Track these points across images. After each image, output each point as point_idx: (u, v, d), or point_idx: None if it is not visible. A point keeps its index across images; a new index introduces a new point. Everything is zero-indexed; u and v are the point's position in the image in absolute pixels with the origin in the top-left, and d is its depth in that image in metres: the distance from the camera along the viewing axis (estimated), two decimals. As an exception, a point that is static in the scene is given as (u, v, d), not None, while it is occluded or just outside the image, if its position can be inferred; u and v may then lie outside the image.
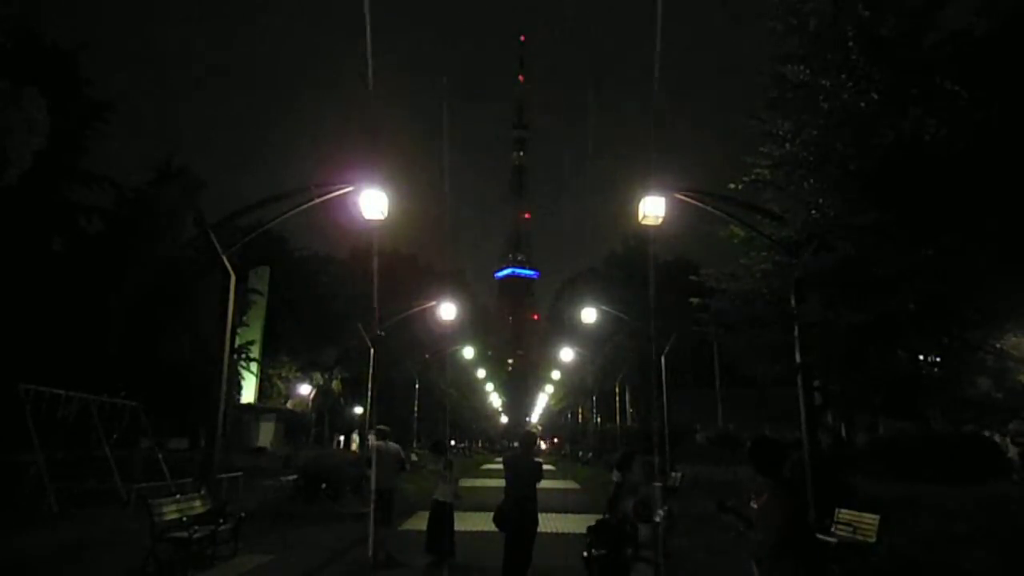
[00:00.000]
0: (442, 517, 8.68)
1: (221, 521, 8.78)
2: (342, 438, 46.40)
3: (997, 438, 16.70)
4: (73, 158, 22.37)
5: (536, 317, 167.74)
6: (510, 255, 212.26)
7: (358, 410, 42.49)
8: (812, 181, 9.23)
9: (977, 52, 7.29)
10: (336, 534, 10.87)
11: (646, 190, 9.70)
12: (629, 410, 40.32)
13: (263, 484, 16.18)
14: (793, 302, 9.45)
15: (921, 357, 12.42)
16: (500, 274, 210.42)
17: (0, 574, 8.31)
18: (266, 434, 37.90)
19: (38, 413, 13.44)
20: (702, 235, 12.73)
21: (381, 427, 11.45)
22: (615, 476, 5.60)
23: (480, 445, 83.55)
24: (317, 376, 42.10)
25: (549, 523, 12.28)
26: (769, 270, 10.83)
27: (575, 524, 12.27)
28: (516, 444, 8.26)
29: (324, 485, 14.43)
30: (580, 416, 53.96)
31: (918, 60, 7.84)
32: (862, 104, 8.21)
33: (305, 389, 42.35)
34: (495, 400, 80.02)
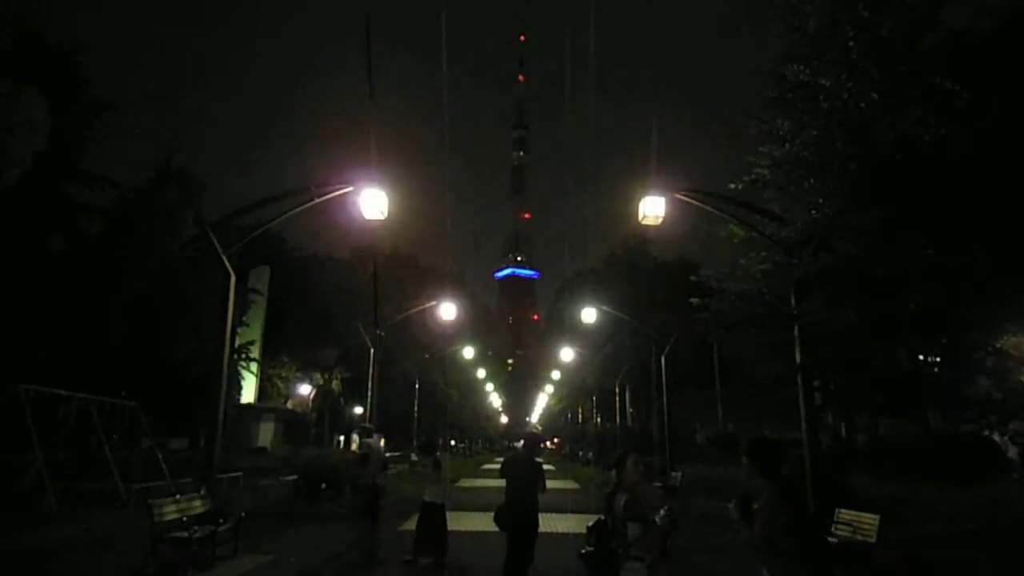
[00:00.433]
0: (432, 518, 8.60)
1: (221, 521, 8.78)
2: (342, 438, 46.41)
3: (997, 438, 16.69)
4: (73, 158, 22.35)
5: (536, 317, 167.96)
6: (510, 255, 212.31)
7: (358, 410, 42.49)
8: (812, 181, 9.24)
9: (977, 52, 7.30)
10: (336, 534, 10.86)
11: (646, 190, 9.70)
12: (629, 410, 40.32)
13: (263, 484, 16.16)
14: (793, 302, 9.45)
15: (921, 357, 12.43)
16: (500, 274, 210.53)
17: (0, 574, 8.32)
18: (266, 434, 37.88)
19: (38, 413, 13.44)
20: (702, 235, 12.74)
21: (366, 425, 11.47)
22: (612, 476, 5.66)
23: (480, 445, 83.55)
24: (317, 376, 42.11)
25: (549, 523, 12.27)
26: (769, 270, 10.84)
27: (575, 524, 12.26)
28: (520, 443, 8.25)
29: (324, 485, 14.44)
30: (580, 416, 53.95)
31: (918, 60, 7.85)
32: (862, 104, 8.22)
33: (305, 389, 42.36)
34: (495, 400, 80.00)
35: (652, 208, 9.68)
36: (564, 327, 45.22)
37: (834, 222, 8.78)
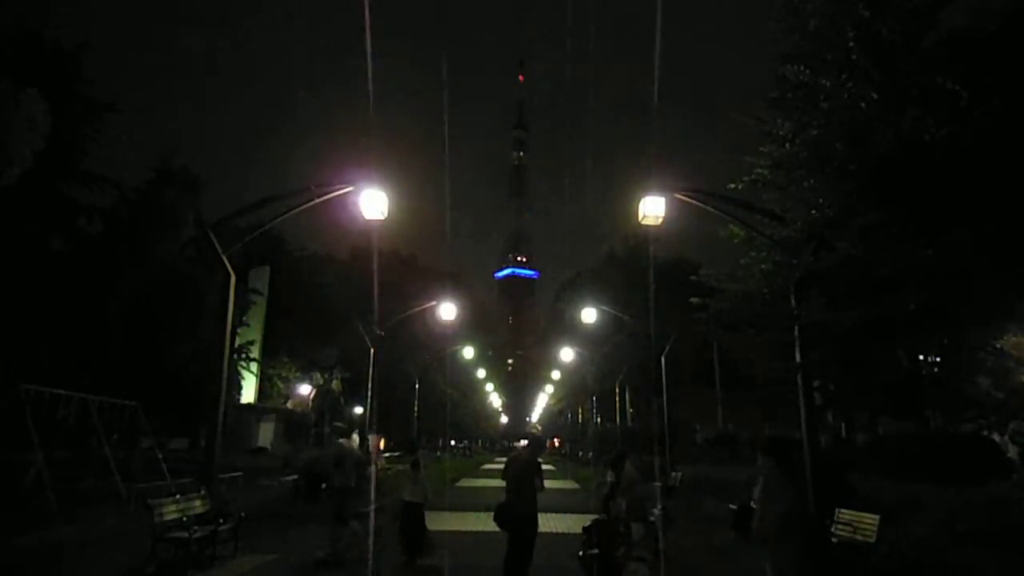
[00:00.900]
0: (411, 517, 8.56)
1: (221, 521, 8.78)
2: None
3: (997, 438, 16.68)
4: (73, 158, 22.36)
5: (536, 317, 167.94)
6: (510, 255, 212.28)
7: (358, 410, 42.48)
8: (812, 181, 9.23)
9: (977, 52, 7.29)
10: (337, 533, 10.84)
11: (646, 190, 9.70)
12: (629, 410, 40.30)
13: (263, 484, 16.17)
14: (793, 302, 9.45)
15: (921, 357, 12.43)
16: (500, 274, 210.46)
17: (0, 573, 8.32)
18: (266, 434, 37.89)
19: (38, 413, 13.44)
20: (702, 235, 12.75)
21: (338, 424, 11.45)
22: (609, 476, 5.59)
23: (480, 445, 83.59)
24: (317, 376, 42.11)
25: (549, 523, 12.28)
26: (769, 270, 10.83)
27: (575, 524, 12.27)
28: (522, 443, 8.23)
29: (324, 485, 14.44)
30: (580, 416, 53.93)
31: (918, 60, 7.84)
32: (862, 104, 8.21)
33: (305, 389, 42.37)
34: (495, 400, 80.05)
35: (652, 208, 9.69)
36: (564, 327, 45.22)
37: (834, 222, 8.77)
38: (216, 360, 10.06)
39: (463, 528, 11.69)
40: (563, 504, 16.34)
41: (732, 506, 11.25)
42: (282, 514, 12.40)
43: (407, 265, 48.47)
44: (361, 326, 20.69)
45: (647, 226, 10.16)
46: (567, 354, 37.02)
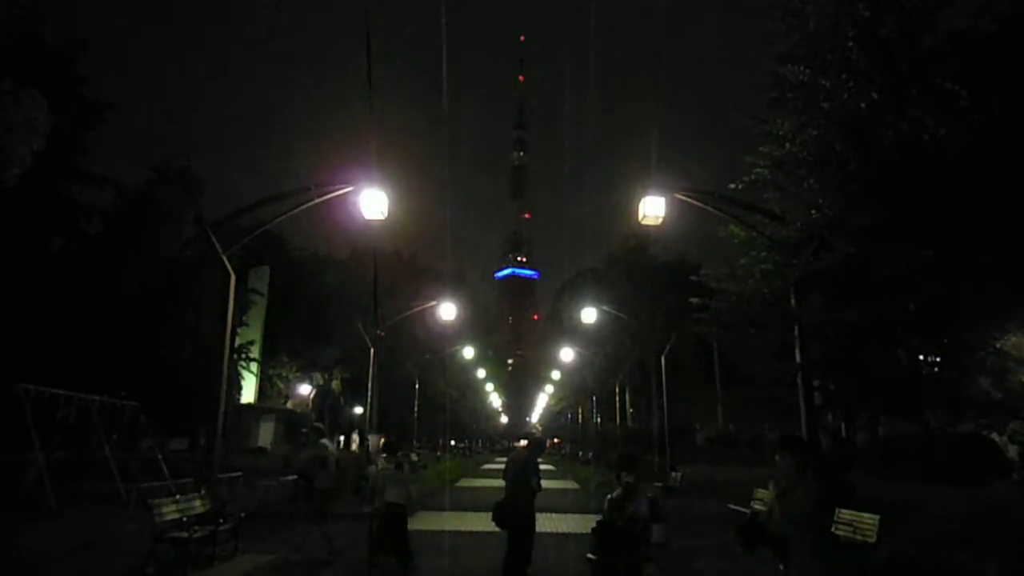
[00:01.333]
0: (392, 519, 8.29)
1: (221, 521, 8.78)
2: (342, 438, 46.40)
3: (997, 438, 16.67)
4: (73, 158, 22.36)
5: (536, 317, 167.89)
6: (510, 255, 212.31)
7: (358, 410, 42.47)
8: (812, 181, 9.25)
9: (977, 52, 7.30)
10: (336, 534, 10.85)
11: (646, 190, 9.70)
12: (629, 410, 40.31)
13: (263, 484, 16.16)
14: (793, 302, 9.45)
15: (921, 357, 12.42)
16: (500, 274, 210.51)
17: (0, 574, 8.31)
18: (266, 434, 37.85)
19: (38, 413, 13.43)
20: (702, 235, 12.75)
21: (317, 425, 11.46)
22: (626, 476, 5.40)
23: (480, 445, 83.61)
24: (317, 376, 42.08)
25: (550, 523, 12.28)
26: (769, 270, 10.84)
27: (577, 524, 12.27)
28: (522, 442, 8.21)
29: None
30: (580, 416, 53.95)
31: (918, 60, 7.84)
32: (862, 104, 8.22)
33: (305, 389, 42.33)
34: (495, 400, 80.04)
35: (652, 208, 9.68)
36: (564, 327, 45.26)
37: (834, 222, 8.78)
38: (216, 360, 10.06)
39: (463, 528, 11.69)
40: (563, 504, 16.35)
41: (731, 506, 11.29)
42: (282, 514, 12.38)
43: (407, 265, 48.45)
44: (361, 326, 20.69)
45: (647, 226, 10.16)
46: (567, 354, 37.02)
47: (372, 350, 19.40)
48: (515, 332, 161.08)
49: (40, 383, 13.88)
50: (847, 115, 8.40)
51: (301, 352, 40.13)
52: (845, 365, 11.40)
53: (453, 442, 62.22)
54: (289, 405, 41.66)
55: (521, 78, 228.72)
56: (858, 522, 7.92)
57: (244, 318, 33.35)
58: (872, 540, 7.54)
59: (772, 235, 9.94)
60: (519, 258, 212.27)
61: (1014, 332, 10.46)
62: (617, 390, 35.28)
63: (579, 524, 12.37)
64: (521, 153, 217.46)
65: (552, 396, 66.09)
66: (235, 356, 30.49)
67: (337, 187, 10.32)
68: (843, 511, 8.35)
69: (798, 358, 9.42)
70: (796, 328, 9.45)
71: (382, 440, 10.99)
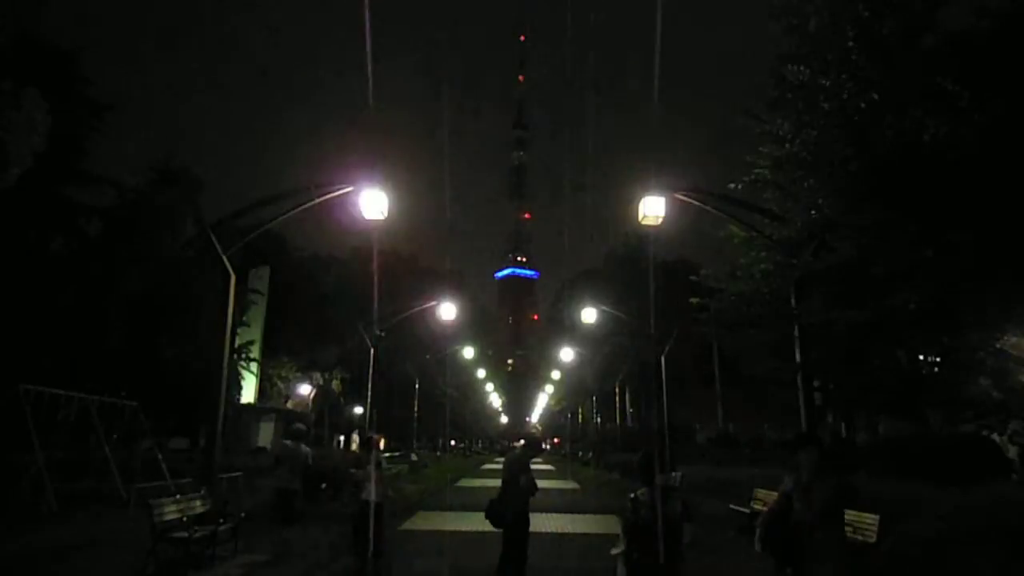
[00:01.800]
0: (367, 517, 8.12)
1: (221, 521, 8.77)
2: (342, 438, 46.41)
3: (997, 438, 16.67)
4: (73, 159, 22.36)
5: (536, 317, 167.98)
6: (510, 255, 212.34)
7: (358, 410, 42.49)
8: (812, 181, 9.25)
9: (977, 52, 7.30)
10: (336, 534, 10.85)
11: (646, 190, 9.70)
12: (629, 410, 40.34)
13: (263, 484, 16.16)
14: (793, 302, 9.46)
15: (921, 357, 12.41)
16: (500, 274, 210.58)
17: (0, 574, 8.31)
18: (266, 434, 37.86)
19: (38, 413, 13.43)
20: (702, 235, 12.76)
21: (298, 426, 11.45)
22: (661, 479, 5.30)
23: (480, 445, 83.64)
24: (317, 376, 42.10)
25: (551, 523, 12.27)
26: (769, 270, 10.85)
27: (575, 524, 12.27)
28: (520, 443, 8.21)
29: (324, 485, 14.44)
30: (580, 416, 53.97)
31: (918, 60, 7.84)
32: (862, 104, 8.22)
33: (305, 389, 42.35)
34: (495, 400, 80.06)
35: (652, 208, 9.69)
36: (564, 327, 45.23)
37: (834, 222, 8.78)
38: (216, 360, 10.06)
39: (461, 528, 11.69)
40: (563, 504, 16.35)
41: (732, 506, 11.28)
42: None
43: (407, 265, 48.45)
44: (361, 326, 20.69)
45: (647, 226, 10.16)
46: (567, 354, 37.01)
47: (372, 350, 19.41)
48: (515, 332, 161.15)
49: (40, 383, 13.87)
50: (847, 115, 8.41)
51: (301, 352, 40.14)
52: (845, 365, 11.41)
53: (453, 442, 62.23)
54: (289, 405, 41.66)
55: (521, 78, 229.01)
56: (858, 522, 7.92)
57: (244, 318, 33.35)
58: (872, 540, 7.54)
59: (772, 235, 9.95)
60: (519, 258, 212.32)
61: (1014, 332, 10.46)
62: (617, 390, 35.28)
63: (578, 524, 12.38)
64: (521, 153, 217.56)
65: (552, 396, 66.07)
66: (235, 356, 30.49)
67: (337, 187, 10.32)
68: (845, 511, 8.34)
69: (798, 358, 9.42)
70: (796, 328, 9.45)
71: (382, 440, 10.97)
